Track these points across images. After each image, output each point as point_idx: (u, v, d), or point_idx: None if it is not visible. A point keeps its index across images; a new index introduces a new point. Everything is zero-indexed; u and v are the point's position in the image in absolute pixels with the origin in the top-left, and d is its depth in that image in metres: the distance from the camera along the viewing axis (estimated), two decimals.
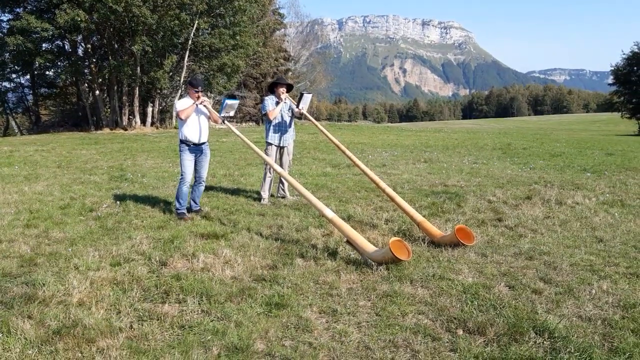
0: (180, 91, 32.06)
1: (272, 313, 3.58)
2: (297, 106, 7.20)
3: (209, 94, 39.45)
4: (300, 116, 7.37)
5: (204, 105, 6.47)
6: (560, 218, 6.52)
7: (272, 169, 7.51)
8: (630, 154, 16.53)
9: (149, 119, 30.07)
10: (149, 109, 30.24)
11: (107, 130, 27.51)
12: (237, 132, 6.31)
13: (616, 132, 49.56)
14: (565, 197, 7.87)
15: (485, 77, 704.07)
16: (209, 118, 6.64)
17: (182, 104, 6.45)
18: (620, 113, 55.33)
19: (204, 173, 6.77)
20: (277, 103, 7.36)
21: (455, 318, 3.35)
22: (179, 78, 31.14)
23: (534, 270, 4.32)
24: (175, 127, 31.01)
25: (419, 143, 19.84)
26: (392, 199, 5.94)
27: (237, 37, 30.57)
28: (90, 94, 29.40)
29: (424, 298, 3.72)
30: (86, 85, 29.50)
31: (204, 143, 6.63)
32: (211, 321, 3.51)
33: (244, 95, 47.66)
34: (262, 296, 3.88)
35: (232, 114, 6.61)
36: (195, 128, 6.49)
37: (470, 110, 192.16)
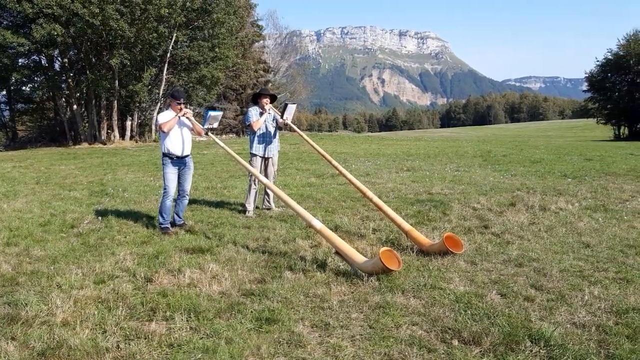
0: (159, 104, 31.82)
1: (262, 329, 3.50)
2: (282, 116, 7.15)
3: (188, 106, 39.30)
4: (285, 126, 7.32)
5: (187, 117, 6.39)
6: (546, 224, 6.55)
7: (257, 181, 7.44)
8: (609, 159, 16.78)
9: (128, 133, 29.74)
10: (128, 123, 29.91)
11: (85, 144, 27.13)
12: (221, 144, 6.23)
13: (592, 138, 50.40)
14: (549, 203, 7.93)
15: (462, 86, 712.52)
16: (191, 130, 6.56)
17: (164, 117, 6.35)
18: (595, 119, 56.35)
19: (188, 186, 6.67)
20: (261, 114, 7.31)
21: (449, 328, 3.31)
22: (157, 91, 30.91)
23: (524, 277, 4.30)
24: (155, 141, 30.73)
25: (400, 152, 19.91)
26: (380, 208, 5.91)
27: (216, 49, 30.49)
28: (68, 109, 29.01)
29: (417, 308, 3.68)
30: (63, 100, 29.11)
31: (187, 156, 6.54)
32: (200, 338, 3.41)
33: (224, 107, 47.52)
34: (251, 311, 3.80)
35: (215, 125, 6.53)
36: (178, 140, 6.40)
37: (448, 119, 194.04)
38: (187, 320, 3.71)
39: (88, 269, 4.90)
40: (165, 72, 29.97)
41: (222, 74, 33.30)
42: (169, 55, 29.36)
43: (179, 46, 30.31)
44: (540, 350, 2.97)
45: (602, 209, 7.53)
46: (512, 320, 3.34)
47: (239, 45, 38.45)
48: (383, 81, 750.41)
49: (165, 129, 6.23)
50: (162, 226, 6.38)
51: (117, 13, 23.69)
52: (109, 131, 29.27)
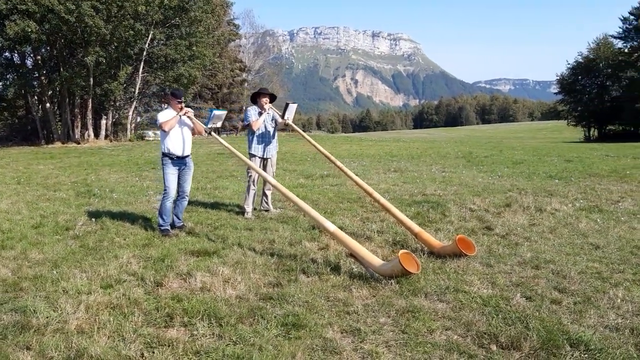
0: (135, 103, 31.27)
1: (291, 334, 3.40)
2: (283, 116, 7.04)
3: (165, 105, 38.73)
4: (286, 127, 7.21)
5: (188, 116, 6.23)
6: (547, 225, 6.58)
7: (256, 182, 7.32)
8: (587, 160, 17.08)
9: (102, 132, 29.14)
10: (103, 122, 29.31)
11: (59, 144, 26.49)
12: (225, 144, 6.09)
13: (562, 140, 51.39)
14: (543, 204, 7.98)
15: (434, 87, 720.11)
16: (192, 129, 6.40)
17: (165, 116, 6.18)
18: (566, 121, 57.57)
19: (188, 187, 6.51)
20: (260, 113, 7.19)
21: (485, 333, 3.26)
22: (133, 89, 30.37)
23: (544, 279, 4.29)
24: (130, 140, 30.20)
25: (383, 152, 19.93)
26: (387, 210, 5.85)
27: (194, 48, 30.12)
28: (40, 107, 28.27)
29: (446, 312, 3.62)
30: (36, 98, 28.36)
31: (187, 156, 6.38)
32: (226, 345, 3.29)
33: (199, 106, 47.01)
34: (274, 316, 3.69)
35: (219, 125, 6.38)
36: (179, 140, 6.23)
37: (421, 120, 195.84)
38: (209, 326, 3.58)
39: (92, 272, 4.72)
40: (141, 70, 29.45)
41: (199, 72, 32.89)
42: (145, 53, 28.87)
43: (155, 44, 29.84)
44: (582, 355, 2.94)
45: (597, 210, 7.62)
46: (546, 324, 3.30)
47: (215, 44, 38.03)
48: (356, 82, 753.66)
49: (166, 128, 6.05)
50: (162, 228, 6.21)
51: (93, 10, 23.19)
52: (83, 130, 28.63)
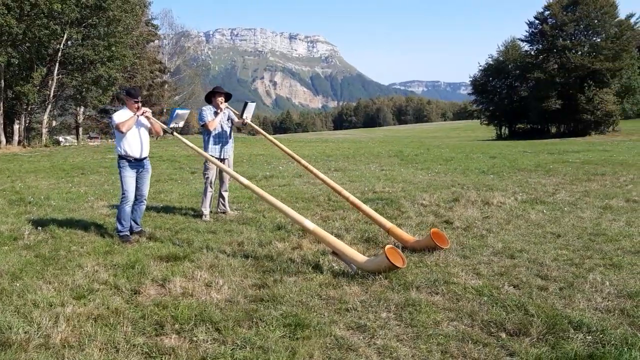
0: (50, 106, 29.51)
1: (297, 334, 3.32)
2: (241, 116, 6.89)
3: (82, 108, 36.77)
4: (244, 126, 7.07)
5: (146, 116, 5.95)
6: (500, 217, 6.87)
7: (213, 184, 7.13)
8: (509, 156, 18.07)
9: (15, 138, 27.23)
10: (16, 127, 27.40)
11: None
12: (189, 143, 5.88)
13: (476, 138, 54.08)
14: (488, 198, 8.30)
15: (351, 89, 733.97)
16: (149, 130, 6.12)
17: (121, 116, 5.86)
18: (478, 120, 60.61)
19: (146, 190, 6.21)
20: (216, 113, 7.00)
21: (490, 321, 3.34)
22: (48, 92, 28.64)
23: (524, 267, 4.46)
24: (46, 145, 28.47)
25: (317, 153, 20.07)
26: (358, 207, 5.88)
27: (113, 49, 28.88)
28: None
29: (445, 304, 3.68)
30: None
31: (145, 158, 6.09)
32: (232, 349, 3.18)
33: (117, 108, 45.08)
34: (273, 318, 3.59)
35: (181, 124, 6.13)
36: (136, 141, 5.94)
37: (340, 122, 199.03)
38: (207, 332, 3.44)
39: (59, 283, 4.39)
40: (56, 72, 27.84)
41: (120, 74, 31.58)
42: (60, 54, 27.32)
43: (70, 44, 28.32)
44: (586, 337, 3.08)
45: (539, 202, 8.04)
46: (543, 310, 3.44)
47: (135, 45, 36.67)
48: (275, 84, 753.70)
49: (124, 129, 5.74)
50: (122, 234, 5.88)
51: (4, 7, 21.64)
52: None
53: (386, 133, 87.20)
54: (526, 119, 51.66)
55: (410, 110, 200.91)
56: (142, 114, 5.88)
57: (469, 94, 64.35)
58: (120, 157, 5.94)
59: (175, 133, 6.00)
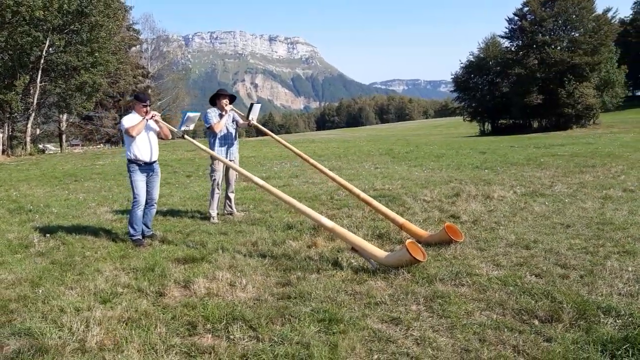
0: (33, 114, 29.13)
1: (333, 329, 3.37)
2: (247, 117, 6.92)
3: (65, 115, 36.34)
4: (249, 127, 7.10)
5: (155, 120, 5.95)
6: (505, 210, 6.99)
7: (220, 185, 7.14)
8: (499, 151, 18.26)
9: None
10: None
11: None
12: (200, 145, 5.91)
13: (459, 135, 54.50)
14: (489, 192, 8.43)
15: (332, 89, 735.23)
16: (157, 133, 6.13)
17: (130, 120, 5.86)
18: (461, 117, 61.10)
19: (156, 194, 6.21)
20: (221, 115, 7.03)
21: (521, 310, 3.42)
22: (31, 100, 28.25)
23: (542, 258, 4.57)
24: (31, 154, 28.07)
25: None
26: (369, 204, 5.96)
27: (96, 54, 28.59)
28: None
29: (473, 295, 3.76)
30: None
31: (155, 161, 6.09)
32: (270, 346, 3.22)
33: (100, 115, 44.73)
34: (304, 314, 3.63)
35: (191, 127, 6.15)
36: (146, 145, 5.94)
37: (323, 122, 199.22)
38: (240, 330, 3.48)
39: (81, 289, 4.39)
40: (39, 79, 27.49)
41: (104, 80, 31.28)
42: (42, 61, 26.97)
43: (52, 51, 27.97)
44: (616, 321, 3.19)
45: (539, 194, 8.18)
46: (570, 297, 3.53)
47: (117, 50, 36.33)
48: (256, 86, 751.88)
49: (134, 133, 5.74)
50: (134, 238, 5.88)
51: None
52: None
53: (369, 132, 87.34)
54: (508, 114, 52.22)
55: (392, 109, 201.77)
56: (151, 118, 5.89)
57: (450, 91, 64.80)
58: (130, 161, 5.93)
59: (186, 136, 6.02)
